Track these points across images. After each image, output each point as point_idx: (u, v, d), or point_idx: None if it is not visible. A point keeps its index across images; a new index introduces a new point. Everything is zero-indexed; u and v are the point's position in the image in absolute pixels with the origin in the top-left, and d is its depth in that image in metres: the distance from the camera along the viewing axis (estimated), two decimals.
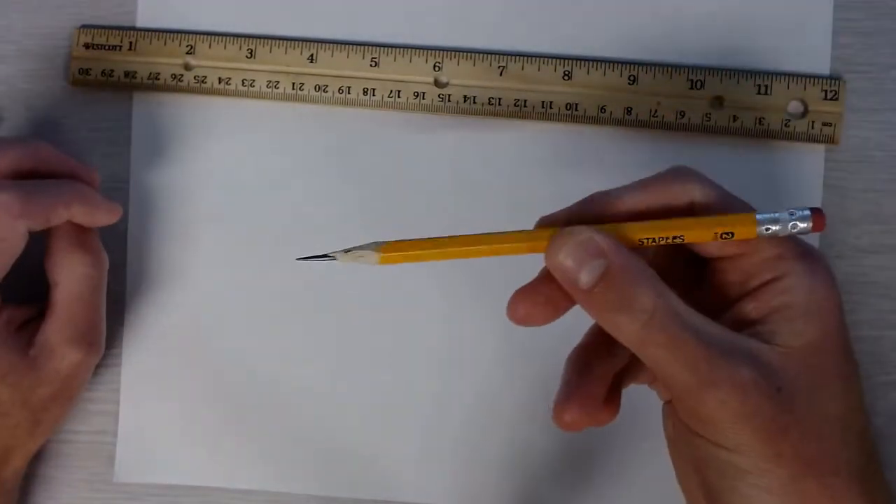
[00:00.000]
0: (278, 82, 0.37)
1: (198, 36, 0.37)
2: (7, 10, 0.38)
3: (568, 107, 0.36)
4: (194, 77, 0.37)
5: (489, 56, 0.36)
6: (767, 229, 0.25)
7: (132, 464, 0.37)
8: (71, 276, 0.34)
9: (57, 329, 0.33)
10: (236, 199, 0.37)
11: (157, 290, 0.37)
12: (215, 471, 0.37)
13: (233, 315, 0.37)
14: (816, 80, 0.35)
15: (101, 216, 0.34)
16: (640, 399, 0.36)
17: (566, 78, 0.36)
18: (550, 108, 0.36)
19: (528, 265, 0.26)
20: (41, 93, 0.38)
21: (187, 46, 0.37)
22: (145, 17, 0.38)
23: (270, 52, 0.37)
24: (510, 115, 0.36)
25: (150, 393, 0.37)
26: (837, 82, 0.35)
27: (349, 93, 0.36)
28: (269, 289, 0.37)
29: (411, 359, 0.36)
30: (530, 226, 0.35)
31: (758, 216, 0.25)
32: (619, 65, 0.36)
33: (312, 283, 0.37)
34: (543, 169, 0.36)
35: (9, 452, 0.34)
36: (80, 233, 0.34)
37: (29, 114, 0.38)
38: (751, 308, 0.26)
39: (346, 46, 0.37)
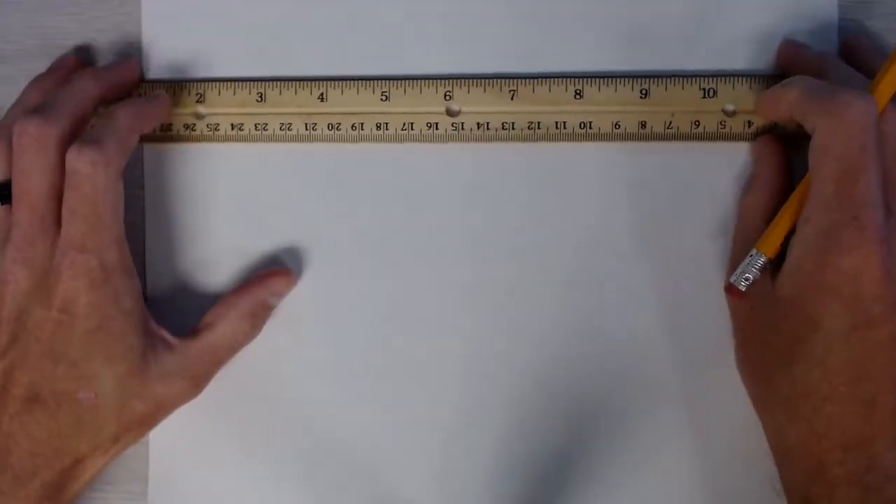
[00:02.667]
0: (291, 124, 0.37)
1: (207, 84, 0.37)
2: (7, 10, 0.39)
3: (581, 125, 0.36)
4: (207, 125, 0.37)
5: (499, 81, 0.36)
6: None
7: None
8: (228, 332, 0.35)
9: (186, 361, 0.34)
10: (255, 237, 0.37)
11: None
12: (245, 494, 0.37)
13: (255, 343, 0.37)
14: None
15: (155, 119, 0.36)
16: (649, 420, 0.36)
17: (578, 97, 0.36)
18: (564, 128, 0.36)
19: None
20: None
21: (197, 95, 0.37)
22: (153, 69, 0.38)
23: (280, 94, 0.37)
24: (524, 138, 0.36)
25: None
26: None
27: (362, 129, 0.36)
28: (287, 320, 0.37)
29: (430, 380, 0.36)
30: (553, 252, 0.35)
31: None
32: (631, 79, 0.36)
33: (331, 301, 0.37)
34: (560, 190, 0.36)
35: (80, 464, 0.33)
36: (258, 308, 0.36)
37: None
38: None
39: (356, 83, 0.36)
